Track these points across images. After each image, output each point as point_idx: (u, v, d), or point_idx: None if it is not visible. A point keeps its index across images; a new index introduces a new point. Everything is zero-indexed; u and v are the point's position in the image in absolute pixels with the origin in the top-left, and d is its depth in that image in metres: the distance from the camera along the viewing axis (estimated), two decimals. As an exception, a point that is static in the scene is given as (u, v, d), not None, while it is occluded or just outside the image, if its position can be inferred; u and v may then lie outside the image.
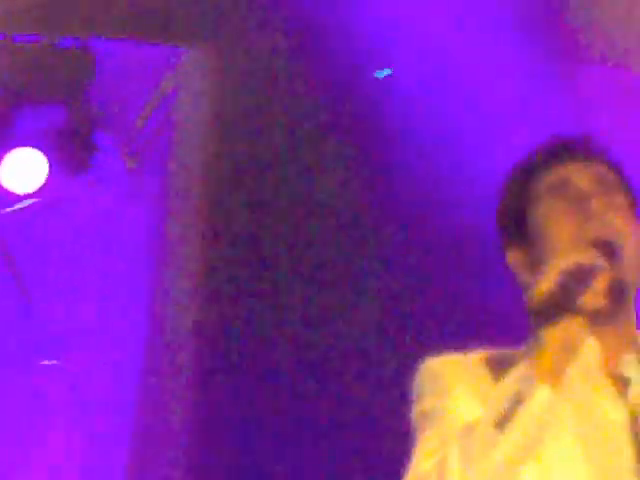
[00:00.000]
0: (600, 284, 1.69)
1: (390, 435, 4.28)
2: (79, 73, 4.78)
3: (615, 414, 1.77)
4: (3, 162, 4.86)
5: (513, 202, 1.88)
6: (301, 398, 4.64)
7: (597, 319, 1.73)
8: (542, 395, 1.69)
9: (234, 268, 4.72)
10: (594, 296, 1.69)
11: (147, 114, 5.19)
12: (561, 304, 1.67)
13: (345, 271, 4.74)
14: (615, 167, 1.87)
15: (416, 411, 1.85)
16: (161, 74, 5.08)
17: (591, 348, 1.79)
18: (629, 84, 5.17)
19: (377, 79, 4.88)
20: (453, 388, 1.82)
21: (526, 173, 1.87)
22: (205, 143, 4.83)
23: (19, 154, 4.84)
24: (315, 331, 4.64)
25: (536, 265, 1.77)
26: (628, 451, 1.73)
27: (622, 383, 1.79)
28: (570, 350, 1.71)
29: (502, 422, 1.69)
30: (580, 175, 1.82)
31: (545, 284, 1.68)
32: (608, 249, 1.73)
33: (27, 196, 5.07)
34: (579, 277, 1.67)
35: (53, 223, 5.48)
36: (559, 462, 1.75)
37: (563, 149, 1.86)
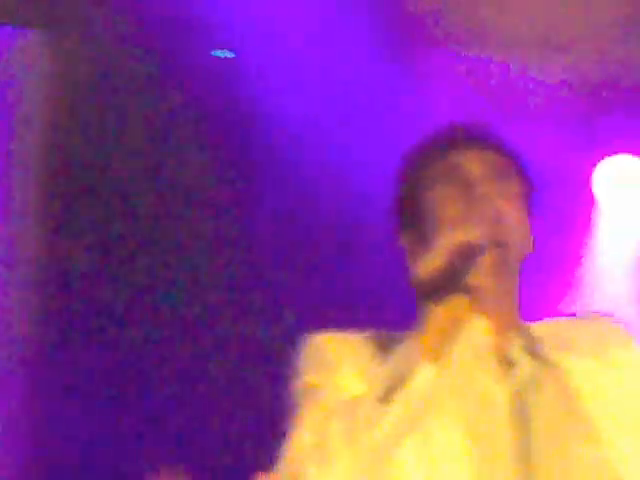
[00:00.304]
0: (485, 262, 1.73)
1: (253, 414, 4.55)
2: None
3: (499, 396, 1.79)
4: None
5: (408, 187, 1.92)
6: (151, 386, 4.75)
7: (483, 298, 1.78)
8: (425, 373, 1.72)
9: (79, 255, 4.79)
10: (479, 274, 1.74)
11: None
12: (446, 282, 1.71)
13: (204, 256, 4.83)
14: (510, 155, 1.91)
15: (298, 386, 1.84)
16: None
17: (480, 327, 1.81)
18: (469, 67, 5.34)
19: (223, 60, 4.95)
20: (338, 364, 1.82)
21: (421, 159, 1.91)
22: (44, 129, 4.85)
23: None
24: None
25: (425, 247, 1.80)
26: (508, 434, 1.76)
27: (507, 364, 1.81)
28: (455, 328, 1.75)
29: (385, 399, 1.71)
30: (472, 161, 1.85)
31: (431, 262, 1.72)
32: (493, 232, 1.77)
33: None
34: (464, 255, 1.70)
35: None
36: (439, 441, 1.76)
37: (458, 136, 1.90)
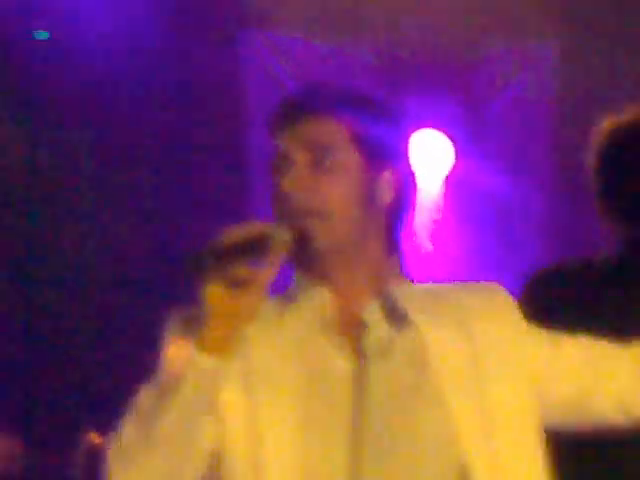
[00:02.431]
0: (275, 254, 1.67)
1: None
2: None
3: (338, 362, 1.77)
4: None
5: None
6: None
7: (323, 268, 1.77)
8: (205, 363, 1.67)
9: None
10: (267, 266, 1.68)
11: None
12: (226, 271, 1.64)
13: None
14: (345, 121, 1.80)
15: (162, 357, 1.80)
16: None
17: (321, 295, 1.80)
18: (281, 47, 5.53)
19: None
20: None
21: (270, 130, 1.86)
22: None
23: None
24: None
25: None
26: (344, 403, 1.74)
27: (362, 329, 1.79)
28: (239, 317, 1.69)
29: (166, 389, 1.67)
30: (290, 144, 1.78)
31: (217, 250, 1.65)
32: (309, 216, 1.75)
33: None
34: (250, 247, 1.65)
35: None
36: (266, 415, 1.73)
37: (282, 114, 1.81)
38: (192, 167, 5.30)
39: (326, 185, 1.76)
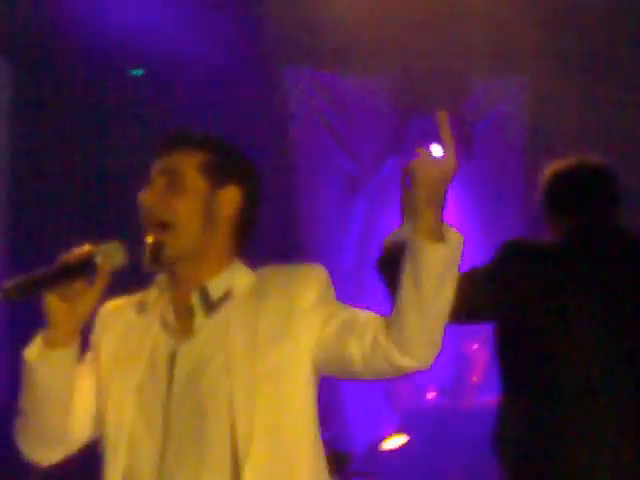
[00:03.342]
0: (102, 269, 2.04)
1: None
2: None
3: (162, 348, 2.13)
4: None
5: None
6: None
7: (172, 267, 2.14)
8: (50, 356, 2.08)
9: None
10: (99, 279, 2.04)
11: None
12: (64, 279, 2.03)
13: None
14: (193, 153, 2.16)
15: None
16: None
17: (155, 294, 2.18)
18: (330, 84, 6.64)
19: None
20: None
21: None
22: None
23: None
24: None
25: None
26: (164, 375, 2.12)
27: (191, 314, 2.15)
28: (74, 320, 2.07)
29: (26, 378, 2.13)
30: (155, 171, 2.17)
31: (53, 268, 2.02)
32: (161, 226, 2.11)
33: None
34: (79, 267, 2.03)
35: None
36: (115, 399, 2.14)
37: (156, 150, 2.21)
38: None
39: (175, 201, 2.12)
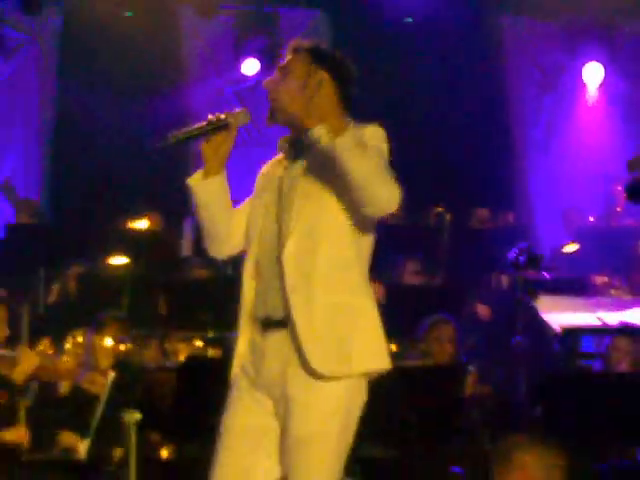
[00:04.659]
0: (235, 124, 3.11)
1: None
2: None
3: (277, 177, 3.19)
4: None
5: None
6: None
7: (280, 118, 3.13)
8: (208, 183, 3.15)
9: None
10: (231, 129, 3.10)
11: None
12: (211, 132, 3.09)
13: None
14: (304, 51, 3.13)
15: None
16: None
17: (283, 140, 3.20)
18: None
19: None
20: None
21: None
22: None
23: None
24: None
25: None
26: (276, 192, 3.17)
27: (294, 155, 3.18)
28: (221, 156, 3.14)
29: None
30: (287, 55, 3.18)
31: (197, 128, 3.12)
32: (271, 100, 3.12)
33: None
34: (216, 124, 3.10)
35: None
36: (256, 210, 3.18)
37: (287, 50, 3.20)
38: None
39: (283, 82, 3.12)
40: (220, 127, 3.09)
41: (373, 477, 5.32)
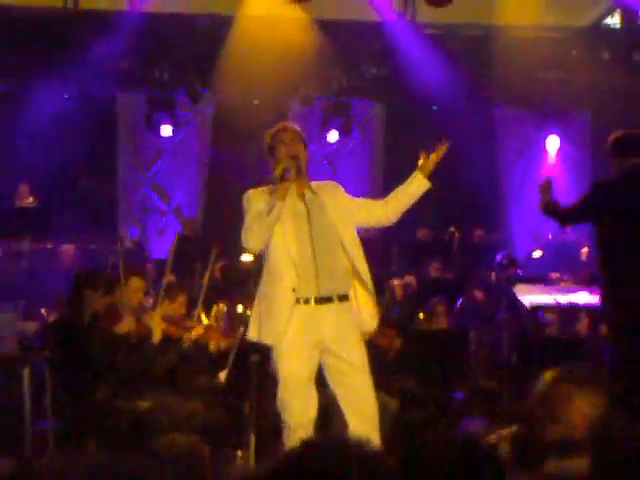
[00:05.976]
0: (292, 171, 4.90)
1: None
2: None
3: (300, 207, 5.03)
4: None
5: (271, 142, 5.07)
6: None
7: (296, 178, 4.90)
8: (278, 205, 4.79)
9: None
10: (291, 175, 4.87)
11: None
12: (283, 177, 4.84)
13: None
14: (299, 134, 5.07)
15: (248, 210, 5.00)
16: None
17: (292, 189, 5.00)
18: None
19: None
20: (255, 201, 4.96)
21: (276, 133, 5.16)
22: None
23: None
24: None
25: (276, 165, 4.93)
26: (306, 226, 5.03)
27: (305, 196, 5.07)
28: (286, 190, 4.85)
29: (267, 212, 4.78)
30: (285, 135, 5.08)
31: (277, 170, 4.90)
32: (295, 157, 4.96)
33: None
34: (287, 169, 4.88)
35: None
36: (287, 227, 4.98)
37: (280, 129, 5.23)
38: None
39: (298, 149, 5.13)
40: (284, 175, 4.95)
41: (407, 401, 6.70)
